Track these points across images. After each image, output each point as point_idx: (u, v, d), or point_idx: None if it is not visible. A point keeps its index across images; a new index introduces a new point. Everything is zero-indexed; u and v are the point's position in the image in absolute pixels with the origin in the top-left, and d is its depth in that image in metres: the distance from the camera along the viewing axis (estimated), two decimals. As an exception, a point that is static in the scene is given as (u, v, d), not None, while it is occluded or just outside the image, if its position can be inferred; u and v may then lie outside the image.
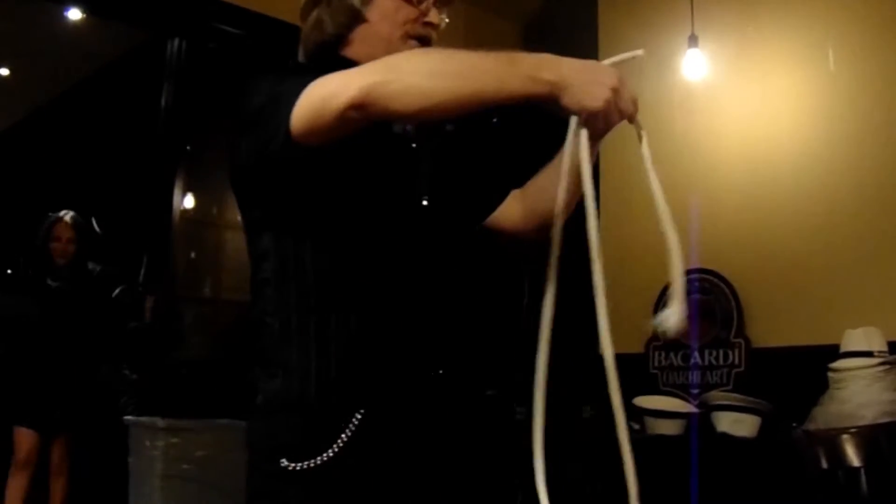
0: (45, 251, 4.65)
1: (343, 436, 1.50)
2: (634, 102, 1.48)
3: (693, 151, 4.49)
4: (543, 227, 1.65)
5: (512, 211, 1.84)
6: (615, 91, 1.42)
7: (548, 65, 1.43)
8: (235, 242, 4.55)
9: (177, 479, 3.67)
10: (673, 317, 1.43)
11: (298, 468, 1.49)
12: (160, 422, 3.79)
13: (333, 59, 1.69)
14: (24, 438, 4.53)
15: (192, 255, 4.70)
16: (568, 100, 1.42)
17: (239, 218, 1.70)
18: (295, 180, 1.56)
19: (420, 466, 1.59)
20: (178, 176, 4.45)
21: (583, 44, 5.09)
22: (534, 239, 1.57)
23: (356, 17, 1.70)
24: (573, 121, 1.51)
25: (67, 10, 4.79)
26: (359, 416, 1.52)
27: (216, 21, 4.39)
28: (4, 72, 6.64)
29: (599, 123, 1.46)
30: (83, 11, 4.75)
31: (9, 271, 4.99)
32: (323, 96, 1.43)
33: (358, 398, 1.53)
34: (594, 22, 5.05)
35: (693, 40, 4.29)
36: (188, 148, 4.53)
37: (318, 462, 1.49)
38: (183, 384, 4.25)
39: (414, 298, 1.63)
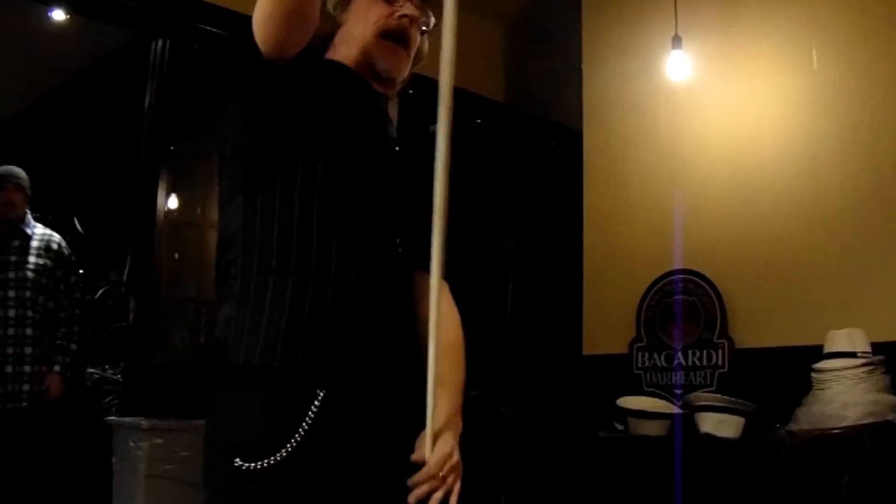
0: None
1: (292, 441, 1.47)
2: None
3: (677, 152, 4.50)
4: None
5: None
6: None
7: None
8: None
9: (160, 479, 3.67)
10: None
11: (252, 468, 1.46)
12: (144, 422, 3.78)
13: (318, 61, 1.75)
14: None
15: (176, 255, 4.68)
16: None
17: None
18: (263, 111, 1.61)
19: (374, 465, 1.54)
20: (162, 176, 4.43)
21: (567, 45, 5.10)
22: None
23: (333, 22, 1.77)
24: None
25: (51, 10, 4.77)
26: (312, 413, 1.48)
27: (200, 22, 4.37)
28: (-12, 71, 6.60)
29: None
30: (67, 12, 4.72)
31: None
32: None
33: (311, 374, 1.50)
34: (578, 24, 5.05)
35: (677, 41, 4.31)
36: (172, 148, 4.52)
37: (271, 462, 1.45)
38: (166, 385, 4.23)
39: (381, 277, 1.60)
